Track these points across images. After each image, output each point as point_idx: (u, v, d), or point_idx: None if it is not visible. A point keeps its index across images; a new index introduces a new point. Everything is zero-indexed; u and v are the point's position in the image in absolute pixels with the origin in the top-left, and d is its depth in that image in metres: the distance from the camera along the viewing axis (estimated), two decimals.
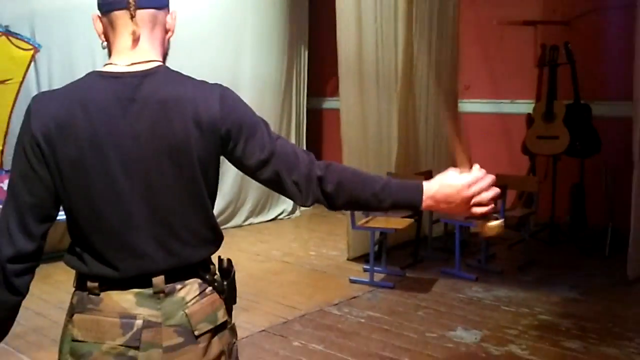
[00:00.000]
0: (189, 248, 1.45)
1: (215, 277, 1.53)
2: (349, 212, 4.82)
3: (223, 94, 1.45)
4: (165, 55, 1.52)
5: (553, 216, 5.79)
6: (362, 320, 4.09)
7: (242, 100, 1.49)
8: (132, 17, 1.40)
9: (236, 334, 1.59)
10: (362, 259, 5.28)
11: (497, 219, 1.48)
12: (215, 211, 5.57)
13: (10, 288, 1.40)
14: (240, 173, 5.63)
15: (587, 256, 5.39)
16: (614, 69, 5.75)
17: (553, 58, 5.76)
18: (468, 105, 6.54)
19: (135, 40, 1.42)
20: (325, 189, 1.44)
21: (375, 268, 4.85)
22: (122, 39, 1.43)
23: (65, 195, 1.41)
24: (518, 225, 5.75)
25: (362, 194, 1.45)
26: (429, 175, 5.25)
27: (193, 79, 1.46)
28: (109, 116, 1.38)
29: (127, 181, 1.39)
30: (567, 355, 3.52)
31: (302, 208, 7.47)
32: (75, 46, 5.00)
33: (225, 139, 1.43)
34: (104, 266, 1.41)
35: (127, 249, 1.41)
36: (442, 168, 1.54)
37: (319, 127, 8.01)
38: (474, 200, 1.44)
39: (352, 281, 4.83)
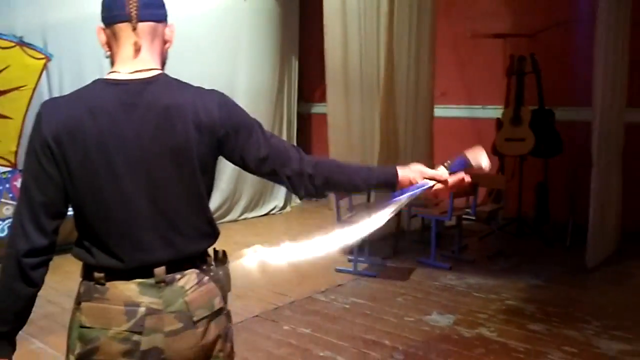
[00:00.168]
0: (188, 241, 1.45)
1: (212, 267, 1.53)
2: (335, 209, 4.82)
3: (221, 99, 1.46)
4: (163, 64, 1.52)
5: (520, 211, 5.80)
6: (347, 306, 4.09)
7: (237, 105, 1.50)
8: (134, 29, 1.40)
9: (231, 319, 1.59)
10: (346, 250, 5.28)
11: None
12: (213, 207, 5.56)
13: (27, 280, 1.40)
14: (236, 172, 5.66)
15: (550, 247, 5.42)
16: (575, 78, 5.77)
17: (520, 68, 5.78)
18: (444, 111, 6.56)
19: (137, 50, 1.42)
20: (315, 184, 1.49)
21: (359, 258, 4.85)
22: (125, 49, 1.43)
23: (74, 194, 1.40)
24: (488, 219, 5.79)
25: (346, 187, 1.56)
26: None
27: (192, 85, 1.47)
28: (114, 120, 1.38)
29: (132, 180, 1.39)
30: (531, 337, 3.54)
31: (293, 204, 7.48)
32: (84, 56, 4.97)
33: (223, 140, 1.44)
34: (110, 258, 1.41)
35: (131, 242, 1.41)
36: None
37: (308, 130, 8.00)
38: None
39: (338, 270, 4.83)
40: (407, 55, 5.76)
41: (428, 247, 5.05)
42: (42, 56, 4.99)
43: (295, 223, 6.82)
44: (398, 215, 5.31)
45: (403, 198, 1.59)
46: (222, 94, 1.48)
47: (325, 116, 5.29)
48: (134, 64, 1.43)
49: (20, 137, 4.85)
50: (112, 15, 1.42)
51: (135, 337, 1.40)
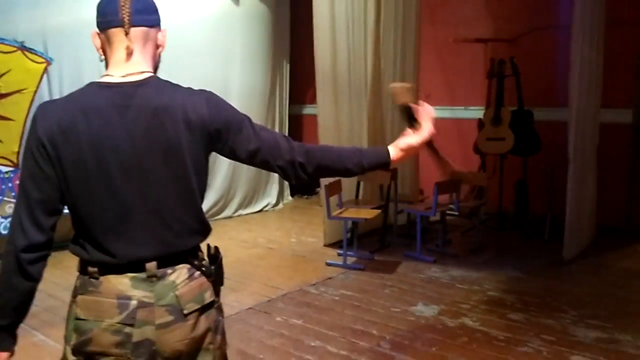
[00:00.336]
0: (179, 238, 1.44)
1: (204, 262, 1.52)
2: (325, 205, 4.82)
3: (209, 97, 1.45)
4: (156, 68, 1.50)
5: (500, 206, 5.82)
6: (336, 298, 4.08)
7: (226, 102, 1.48)
8: (127, 33, 1.39)
9: (222, 312, 1.57)
10: (336, 244, 5.27)
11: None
12: (208, 204, 5.56)
13: (25, 275, 1.39)
14: (231, 170, 5.64)
15: (529, 240, 5.45)
16: (552, 80, 5.80)
17: (500, 70, 5.79)
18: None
19: (129, 54, 1.41)
20: (307, 171, 1.48)
21: (348, 252, 4.84)
22: (118, 53, 1.42)
23: (68, 192, 1.39)
24: (470, 215, 5.81)
25: (338, 171, 1.53)
26: (394, 173, 5.27)
27: (181, 86, 1.45)
28: (107, 121, 1.36)
29: (124, 179, 1.37)
30: (512, 326, 3.55)
31: (285, 201, 7.47)
32: (83, 60, 4.92)
33: (215, 137, 1.43)
34: (103, 254, 1.40)
35: (123, 238, 1.39)
36: (404, 165, 1.60)
37: (299, 130, 7.99)
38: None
39: (328, 264, 4.82)
40: (393, 58, 5.76)
41: (414, 242, 5.05)
42: (43, 60, 4.95)
43: (287, 219, 6.80)
44: (385, 211, 5.33)
45: None
46: (211, 92, 1.47)
47: (316, 117, 5.27)
48: (126, 67, 1.42)
49: (22, 138, 4.80)
50: (106, 21, 1.41)
51: (127, 329, 1.39)
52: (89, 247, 1.41)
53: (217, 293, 1.54)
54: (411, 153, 1.56)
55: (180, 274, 1.45)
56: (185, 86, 1.46)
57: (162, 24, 1.50)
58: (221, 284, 1.57)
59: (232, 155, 1.47)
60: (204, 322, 1.47)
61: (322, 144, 1.61)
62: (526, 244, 5.37)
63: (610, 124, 5.48)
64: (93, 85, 1.42)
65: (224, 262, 1.59)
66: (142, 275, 1.41)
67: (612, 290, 4.17)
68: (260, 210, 7.04)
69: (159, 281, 1.42)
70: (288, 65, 7.49)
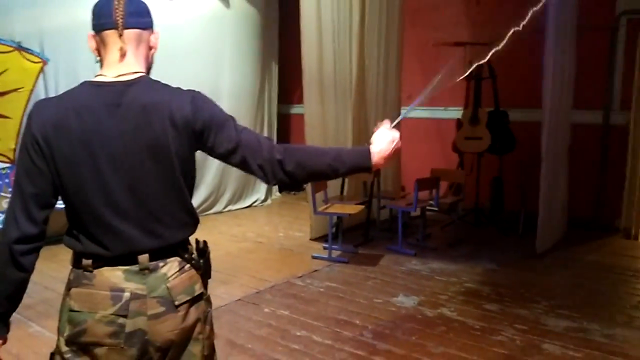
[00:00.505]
0: (170, 230, 1.44)
1: (193, 255, 1.52)
2: (311, 200, 4.82)
3: (194, 96, 1.44)
4: (149, 69, 1.50)
5: (477, 203, 5.86)
6: (322, 290, 4.09)
7: (211, 101, 1.47)
8: (120, 35, 1.40)
9: (211, 304, 1.58)
10: (322, 238, 5.29)
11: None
12: (199, 199, 5.53)
13: (17, 266, 1.39)
14: (221, 167, 5.61)
15: (504, 235, 5.49)
16: (526, 82, 5.83)
17: (478, 73, 5.82)
18: (410, 112, 6.58)
19: (123, 55, 1.41)
20: (286, 169, 1.43)
21: (333, 246, 4.86)
22: (112, 54, 1.42)
23: (61, 186, 1.39)
24: (449, 210, 5.84)
25: (318, 168, 1.46)
26: (377, 171, 5.26)
27: (170, 86, 1.45)
28: (98, 119, 1.37)
29: (114, 174, 1.38)
30: (487, 316, 3.58)
31: (273, 197, 7.46)
32: (78, 59, 4.87)
33: (198, 134, 1.43)
34: (96, 246, 1.40)
35: (114, 232, 1.39)
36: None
37: (287, 129, 7.97)
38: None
39: (314, 257, 4.83)
40: (376, 60, 5.77)
41: (395, 236, 5.07)
42: (39, 60, 4.89)
43: (275, 214, 6.80)
44: (369, 207, 5.34)
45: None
46: (198, 92, 1.46)
47: (303, 116, 5.27)
48: (119, 68, 1.42)
49: (18, 135, 4.75)
50: (100, 23, 1.41)
51: (120, 320, 1.39)
52: (83, 240, 1.41)
53: (205, 285, 1.55)
54: (390, 157, 1.52)
55: (171, 266, 1.45)
56: (175, 86, 1.46)
57: (154, 26, 1.50)
58: (209, 277, 1.58)
59: (213, 153, 1.46)
60: (194, 313, 1.48)
61: (305, 144, 1.59)
62: (501, 238, 5.41)
63: (581, 125, 5.54)
64: (86, 84, 1.42)
65: (214, 255, 1.59)
66: (135, 267, 1.41)
67: (581, 282, 4.23)
68: (250, 206, 7.02)
69: (151, 274, 1.42)
70: (277, 66, 7.47)
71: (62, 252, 1.49)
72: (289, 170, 1.44)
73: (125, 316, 1.39)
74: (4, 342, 1.46)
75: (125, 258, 1.40)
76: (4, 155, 4.80)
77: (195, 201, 6.27)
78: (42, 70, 4.91)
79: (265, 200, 7.23)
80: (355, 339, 3.27)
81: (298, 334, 3.35)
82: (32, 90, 4.84)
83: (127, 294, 1.39)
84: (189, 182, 1.48)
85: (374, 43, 5.71)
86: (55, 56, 4.95)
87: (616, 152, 5.56)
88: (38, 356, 3.00)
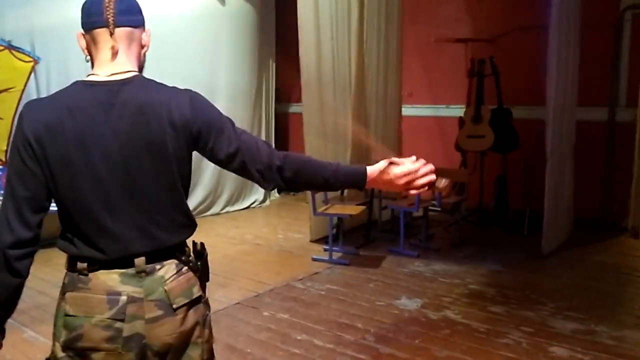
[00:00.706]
0: (166, 233, 1.43)
1: (190, 258, 1.51)
2: (311, 201, 4.81)
3: (193, 97, 1.43)
4: (141, 68, 1.49)
5: (481, 202, 5.86)
6: (322, 293, 4.08)
7: (209, 103, 1.47)
8: (112, 34, 1.39)
9: (209, 307, 1.57)
10: (322, 240, 5.27)
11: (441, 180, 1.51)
12: (196, 201, 5.52)
13: (12, 271, 1.37)
14: (218, 168, 5.56)
15: (509, 235, 5.49)
16: (530, 79, 5.83)
17: (480, 70, 5.82)
18: (411, 110, 6.58)
19: (114, 54, 1.40)
20: (284, 176, 1.44)
21: (334, 248, 4.85)
22: (103, 53, 1.41)
23: (55, 188, 1.38)
24: (452, 210, 5.82)
25: (315, 180, 1.47)
26: None
27: (166, 85, 1.44)
28: (92, 119, 1.36)
29: (109, 175, 1.37)
30: (492, 318, 3.57)
31: (272, 198, 7.46)
32: (70, 59, 4.86)
33: (196, 136, 1.42)
34: (92, 249, 1.39)
35: (111, 234, 1.38)
36: None
37: (285, 128, 7.96)
38: (408, 186, 1.46)
39: (314, 259, 4.82)
40: (376, 58, 5.77)
41: (397, 237, 5.06)
42: (30, 59, 4.88)
43: (274, 215, 6.79)
44: (370, 207, 5.34)
45: None
46: (196, 92, 1.46)
47: (301, 115, 5.26)
48: (111, 66, 1.41)
49: (10, 136, 4.74)
50: (91, 21, 1.40)
51: (118, 324, 1.38)
52: (78, 243, 1.40)
53: (203, 288, 1.54)
54: (387, 180, 1.45)
55: (168, 269, 1.44)
56: (170, 85, 1.46)
57: (147, 24, 1.49)
58: (207, 279, 1.57)
59: (211, 156, 1.45)
60: (192, 317, 1.47)
61: (304, 154, 1.58)
62: (506, 239, 5.40)
63: (586, 122, 5.53)
64: (78, 84, 1.41)
65: (212, 258, 1.58)
66: (131, 270, 1.40)
67: (588, 283, 4.22)
68: (248, 207, 7.02)
69: (148, 276, 1.41)
70: (274, 64, 7.46)
71: (56, 255, 1.48)
72: (287, 177, 1.44)
73: (122, 320, 1.38)
74: (0, 348, 1.45)
75: (122, 261, 1.39)
76: None
77: (193, 203, 6.36)
78: (33, 69, 4.90)
79: (263, 201, 7.23)
80: (357, 343, 3.26)
81: (298, 338, 3.33)
82: (23, 90, 4.84)
83: (123, 298, 1.38)
84: (186, 183, 1.47)
85: (373, 40, 5.71)
86: (46, 55, 4.95)
87: (622, 149, 5.56)
88: None
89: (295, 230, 5.86)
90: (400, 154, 5.89)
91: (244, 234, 5.78)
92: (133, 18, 1.43)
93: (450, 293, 4.02)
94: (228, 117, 1.47)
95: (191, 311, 1.46)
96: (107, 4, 1.38)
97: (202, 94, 1.48)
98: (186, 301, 1.45)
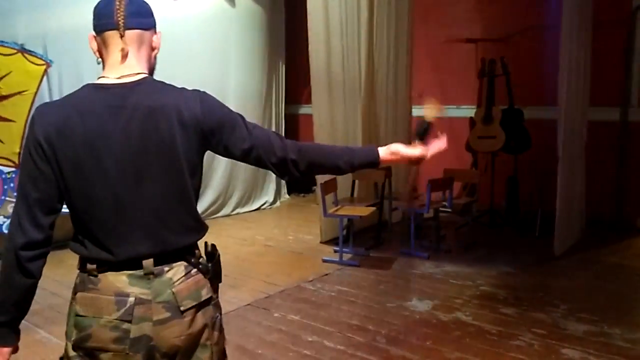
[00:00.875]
0: (175, 235, 1.44)
1: (201, 260, 1.51)
2: (321, 203, 4.82)
3: (202, 97, 1.44)
4: (152, 70, 1.50)
5: (492, 203, 5.83)
6: (333, 294, 4.08)
7: (219, 101, 1.48)
8: (122, 36, 1.40)
9: (220, 309, 1.57)
10: (332, 241, 5.27)
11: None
12: (206, 203, 5.53)
13: (24, 272, 1.39)
14: (229, 170, 5.61)
15: (521, 236, 5.46)
16: (542, 79, 5.80)
17: (491, 70, 5.80)
18: (421, 111, 6.56)
19: (124, 56, 1.41)
20: (300, 169, 1.49)
21: (344, 249, 4.85)
22: (113, 55, 1.42)
23: (66, 191, 1.40)
24: (463, 211, 5.82)
25: (329, 168, 1.55)
26: (388, 172, 5.27)
27: (175, 86, 1.45)
28: (102, 122, 1.37)
29: (119, 178, 1.38)
30: (504, 320, 3.55)
31: (282, 199, 7.47)
32: (82, 62, 4.89)
33: (209, 136, 1.43)
34: (101, 250, 1.40)
35: (120, 236, 1.39)
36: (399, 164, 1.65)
37: (295, 130, 7.97)
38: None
39: (325, 261, 4.82)
40: (386, 59, 5.77)
41: (408, 238, 5.04)
42: (43, 62, 4.92)
43: (284, 217, 6.80)
44: (380, 208, 5.33)
45: None
46: (204, 92, 1.47)
47: (311, 117, 5.27)
48: (121, 69, 1.42)
49: (22, 138, 4.78)
50: (101, 24, 1.42)
51: (125, 326, 1.39)
52: (88, 244, 1.41)
53: (215, 290, 1.54)
54: (398, 159, 1.60)
55: (177, 271, 1.45)
56: (180, 87, 1.46)
57: (158, 26, 1.50)
58: (219, 281, 1.57)
59: (226, 153, 1.48)
60: (200, 319, 1.47)
61: (315, 143, 1.65)
62: (517, 240, 5.38)
63: (598, 122, 5.50)
64: (88, 87, 1.42)
65: (222, 259, 1.58)
66: (140, 272, 1.41)
67: (601, 285, 4.19)
68: (258, 209, 7.03)
69: (156, 278, 1.42)
70: (284, 66, 7.48)
71: (69, 257, 1.50)
72: (302, 169, 1.49)
73: (129, 321, 1.39)
74: (16, 350, 1.47)
75: (130, 262, 1.40)
76: (8, 160, 4.83)
77: (203, 204, 6.38)
78: (45, 72, 4.94)
79: (274, 202, 7.24)
80: (368, 345, 3.25)
81: (309, 339, 3.34)
82: (36, 93, 4.87)
83: (131, 299, 1.39)
84: (196, 185, 1.47)
85: (383, 40, 5.71)
86: (59, 58, 4.98)
87: (635, 149, 5.52)
88: None
89: (306, 231, 5.87)
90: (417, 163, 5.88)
91: (255, 235, 5.79)
92: (143, 20, 1.44)
93: (461, 295, 4.00)
94: (238, 113, 1.49)
95: (199, 313, 1.47)
96: (117, 7, 1.39)
97: (213, 95, 1.49)
98: (194, 303, 1.45)
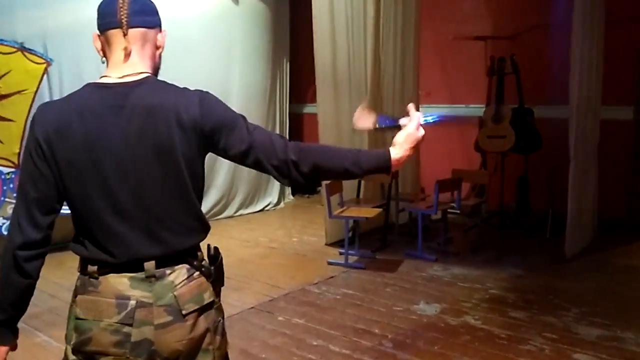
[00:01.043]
0: (177, 237, 1.43)
1: (203, 262, 1.51)
2: (326, 204, 4.81)
3: (202, 97, 1.43)
4: (157, 69, 1.51)
5: (502, 204, 5.81)
6: (338, 297, 4.08)
7: (220, 101, 1.46)
8: (125, 34, 1.40)
9: (223, 313, 1.56)
10: (337, 243, 5.26)
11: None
12: (209, 203, 5.54)
13: (21, 272, 1.40)
14: (232, 170, 5.62)
15: (531, 238, 5.44)
16: (552, 78, 5.78)
17: (500, 68, 5.78)
18: (429, 110, 6.56)
19: (127, 55, 1.42)
20: (301, 171, 1.42)
21: (349, 251, 4.84)
22: (116, 54, 1.43)
23: (65, 191, 1.40)
24: (472, 213, 5.81)
25: (335, 171, 1.46)
26: (395, 172, 5.25)
27: (176, 86, 1.45)
28: (101, 121, 1.37)
29: (118, 178, 1.38)
30: (514, 324, 3.54)
31: (286, 200, 7.47)
32: (82, 60, 4.91)
33: (208, 136, 1.42)
34: (102, 252, 1.40)
35: (120, 237, 1.39)
36: (405, 164, 1.56)
37: (300, 129, 7.98)
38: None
39: (330, 263, 4.81)
40: (392, 56, 5.76)
41: (415, 240, 5.03)
42: (43, 61, 4.94)
43: (289, 218, 6.80)
44: (387, 209, 5.33)
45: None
46: (206, 92, 1.46)
47: (316, 116, 5.27)
48: (123, 68, 1.42)
49: (22, 139, 4.80)
50: (105, 22, 1.43)
51: (126, 329, 1.39)
52: (89, 245, 1.42)
53: (217, 293, 1.54)
54: (411, 141, 1.50)
55: (179, 274, 1.45)
56: (182, 86, 1.46)
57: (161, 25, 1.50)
58: (222, 284, 1.57)
59: (225, 155, 1.45)
60: (203, 323, 1.47)
61: (319, 144, 1.58)
62: (528, 242, 5.36)
63: (611, 121, 5.47)
64: (90, 86, 1.43)
65: (225, 261, 1.58)
66: (141, 275, 1.41)
67: (614, 288, 4.16)
68: (262, 210, 7.04)
69: (157, 281, 1.42)
70: (288, 64, 7.48)
71: (69, 259, 1.50)
72: (305, 172, 1.42)
73: (130, 325, 1.39)
74: (14, 348, 1.48)
75: (131, 265, 1.40)
76: (7, 160, 4.85)
77: (206, 205, 6.39)
78: (45, 71, 4.96)
79: (278, 203, 7.24)
80: (375, 349, 3.25)
81: (314, 343, 3.33)
82: (36, 92, 4.89)
83: (132, 302, 1.39)
84: (198, 186, 1.47)
85: (389, 38, 5.70)
86: (59, 57, 5.00)
87: None
88: None
89: (310, 233, 5.87)
90: (417, 154, 5.89)
91: (258, 237, 5.79)
92: (147, 19, 1.45)
93: (470, 298, 3.99)
94: (240, 114, 1.47)
95: (201, 317, 1.46)
96: (120, 5, 1.39)
97: (216, 94, 1.48)
98: (196, 307, 1.45)
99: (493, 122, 5.73)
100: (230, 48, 6.55)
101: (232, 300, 3.85)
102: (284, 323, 3.63)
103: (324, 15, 5.07)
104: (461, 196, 5.18)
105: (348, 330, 3.51)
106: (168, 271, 1.43)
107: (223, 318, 1.56)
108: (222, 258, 1.57)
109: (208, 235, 1.53)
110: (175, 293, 1.42)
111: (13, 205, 1.39)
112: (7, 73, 4.73)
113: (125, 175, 1.38)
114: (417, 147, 1.52)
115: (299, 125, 7.99)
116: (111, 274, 1.41)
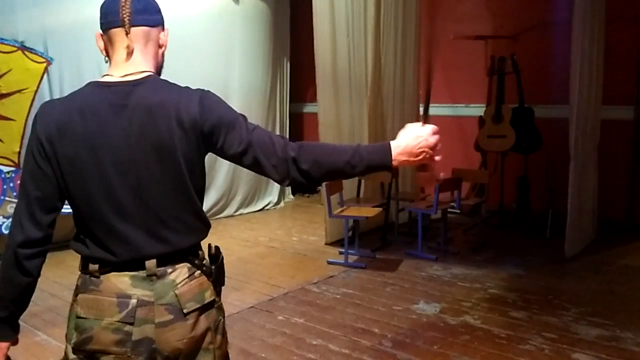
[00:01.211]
0: (178, 235, 1.44)
1: (204, 262, 1.52)
2: (326, 203, 4.82)
3: (202, 96, 1.44)
4: (160, 68, 1.52)
5: (502, 204, 5.82)
6: (338, 297, 4.08)
7: (221, 101, 1.47)
8: (127, 33, 1.41)
9: (223, 312, 1.57)
10: (337, 243, 5.27)
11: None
12: (209, 203, 5.56)
13: (22, 270, 1.41)
14: (232, 169, 5.63)
15: (531, 238, 5.44)
16: (553, 77, 5.78)
17: (501, 68, 5.79)
18: (429, 109, 6.57)
19: (129, 53, 1.42)
20: (302, 168, 1.41)
21: (349, 251, 4.85)
22: (119, 53, 1.44)
23: (66, 189, 1.42)
24: (472, 212, 5.81)
25: (335, 167, 1.43)
26: (395, 171, 5.26)
27: (178, 85, 1.46)
28: (103, 120, 1.38)
29: (119, 177, 1.39)
30: (513, 324, 3.55)
31: (286, 200, 7.47)
32: (83, 59, 4.93)
33: (207, 136, 1.42)
34: (103, 251, 1.41)
35: (121, 236, 1.40)
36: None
37: (300, 129, 7.99)
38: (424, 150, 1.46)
39: (329, 262, 4.82)
40: (393, 56, 5.76)
41: (415, 240, 5.04)
42: (43, 60, 4.95)
43: (289, 218, 6.81)
44: (387, 209, 5.33)
45: None
46: (207, 91, 1.46)
47: (316, 115, 5.28)
48: (126, 67, 1.43)
49: (22, 138, 4.81)
50: (107, 21, 1.44)
51: (127, 328, 1.40)
52: (90, 244, 1.43)
53: (217, 293, 1.55)
54: (419, 141, 1.46)
55: (180, 273, 1.46)
56: (184, 85, 1.47)
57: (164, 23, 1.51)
58: (222, 284, 1.58)
59: (224, 154, 1.45)
60: (203, 322, 1.48)
61: (319, 142, 1.56)
62: (527, 242, 5.36)
63: (611, 121, 5.47)
64: (91, 85, 1.44)
65: (225, 261, 1.59)
66: (142, 273, 1.42)
67: (613, 288, 4.17)
68: (262, 209, 7.04)
69: (159, 280, 1.42)
70: (288, 64, 7.49)
71: (69, 258, 1.51)
72: (305, 169, 1.41)
73: (131, 323, 1.40)
74: (15, 343, 1.50)
75: (133, 263, 1.41)
76: (8, 159, 4.86)
77: (206, 205, 6.29)
78: (46, 70, 4.96)
79: (278, 203, 7.25)
80: (374, 348, 3.26)
81: (314, 342, 3.34)
82: (36, 91, 4.90)
83: (133, 301, 1.40)
84: (198, 184, 1.47)
85: (390, 37, 5.70)
86: (59, 56, 5.01)
87: None
88: None
89: (310, 232, 5.88)
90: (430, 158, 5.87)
91: (258, 236, 5.80)
92: (150, 17, 1.46)
93: (469, 298, 3.99)
94: (241, 114, 1.48)
95: (202, 316, 1.47)
96: (123, 4, 1.40)
97: (217, 93, 1.49)
98: (197, 306, 1.46)
99: (493, 122, 5.73)
100: (231, 47, 6.56)
101: (232, 300, 3.86)
102: (283, 322, 3.64)
103: (325, 14, 5.07)
104: (461, 196, 5.18)
105: (348, 329, 3.51)
106: (169, 270, 1.44)
107: (224, 317, 1.57)
108: (223, 257, 1.58)
109: (208, 233, 1.54)
110: (176, 292, 1.43)
111: (13, 204, 1.40)
112: (7, 72, 4.73)
113: (126, 174, 1.39)
114: (423, 158, 1.47)
115: (299, 124, 7.99)
116: (112, 273, 1.42)
